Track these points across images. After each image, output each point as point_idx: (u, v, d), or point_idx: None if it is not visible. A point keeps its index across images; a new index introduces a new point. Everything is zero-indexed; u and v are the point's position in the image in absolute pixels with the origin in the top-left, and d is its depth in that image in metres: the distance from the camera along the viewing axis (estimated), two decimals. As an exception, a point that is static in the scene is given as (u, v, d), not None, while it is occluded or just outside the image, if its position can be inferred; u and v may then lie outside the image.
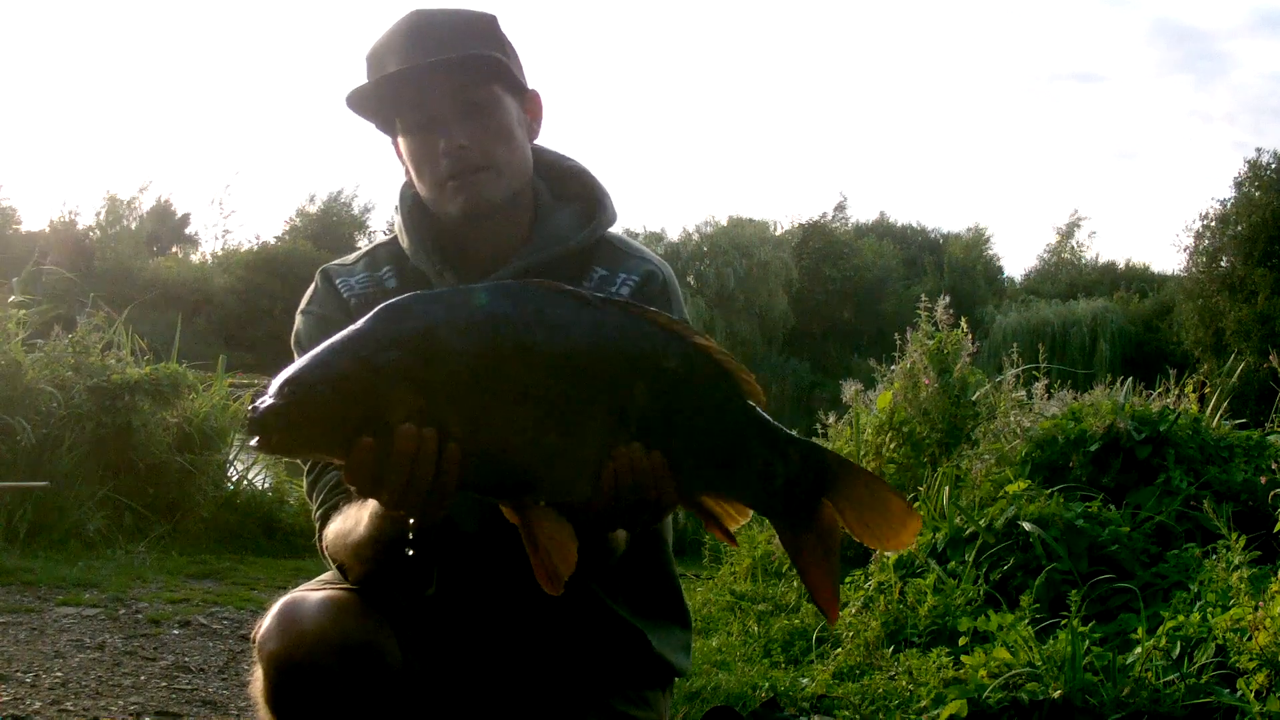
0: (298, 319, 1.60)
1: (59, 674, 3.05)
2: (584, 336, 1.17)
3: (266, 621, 1.40)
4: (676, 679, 1.70)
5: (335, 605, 1.41)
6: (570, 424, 1.16)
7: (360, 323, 1.16)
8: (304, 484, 1.56)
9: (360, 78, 1.52)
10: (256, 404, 1.13)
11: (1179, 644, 2.65)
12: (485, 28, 1.50)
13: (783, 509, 1.24)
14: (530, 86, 1.55)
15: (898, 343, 5.00)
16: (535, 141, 1.59)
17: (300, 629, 1.37)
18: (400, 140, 1.52)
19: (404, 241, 1.56)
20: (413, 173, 1.52)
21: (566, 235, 1.55)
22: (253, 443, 1.13)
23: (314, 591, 1.45)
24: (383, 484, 1.14)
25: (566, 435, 1.16)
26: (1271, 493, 3.23)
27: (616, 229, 1.63)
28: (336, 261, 1.65)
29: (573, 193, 1.61)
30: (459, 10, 1.51)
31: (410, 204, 1.56)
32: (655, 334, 1.20)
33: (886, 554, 3.74)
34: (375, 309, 1.17)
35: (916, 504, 4.09)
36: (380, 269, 1.59)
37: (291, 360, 1.55)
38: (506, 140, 1.49)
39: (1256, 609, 2.50)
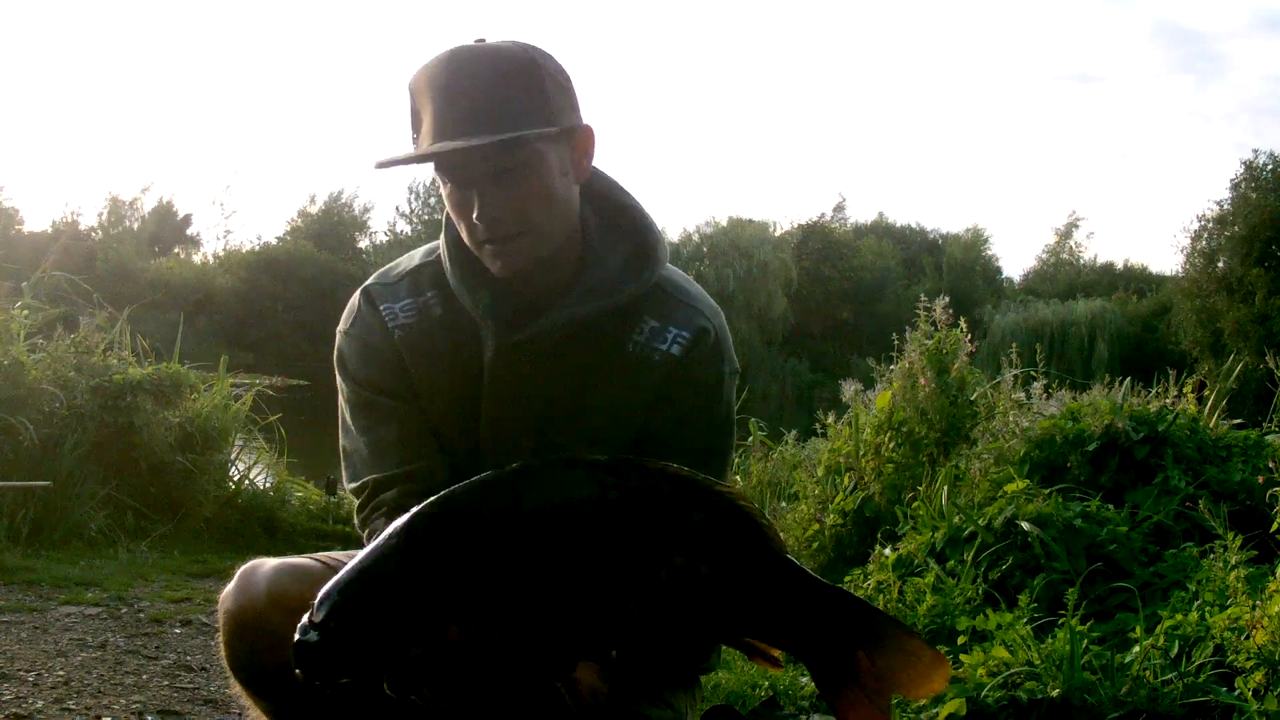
0: (340, 339, 1.57)
1: (61, 673, 3.06)
2: (613, 511, 1.19)
3: (230, 583, 1.48)
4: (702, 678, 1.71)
5: (291, 570, 1.47)
6: (609, 596, 1.18)
7: (395, 536, 1.17)
8: (352, 501, 1.58)
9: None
10: (303, 637, 1.16)
11: (1177, 643, 2.66)
12: (524, 78, 1.38)
13: (813, 656, 1.25)
14: (583, 122, 1.45)
15: (895, 343, 5.01)
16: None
17: (254, 590, 1.44)
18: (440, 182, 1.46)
19: (448, 272, 1.50)
20: (453, 219, 1.47)
21: (615, 284, 1.48)
22: (298, 673, 1.16)
23: (277, 558, 1.52)
24: (428, 692, 1.18)
25: (607, 607, 1.19)
26: (1269, 492, 3.24)
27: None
28: (378, 279, 1.59)
29: (623, 229, 1.53)
30: (496, 56, 1.38)
31: (455, 237, 1.50)
32: (679, 491, 1.22)
33: (886, 554, 3.76)
34: (406, 519, 1.17)
35: (915, 503, 4.10)
36: (425, 292, 1.53)
37: (334, 376, 1.57)
38: (544, 201, 1.40)
39: (1254, 608, 2.52)
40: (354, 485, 1.55)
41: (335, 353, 1.57)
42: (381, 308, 1.54)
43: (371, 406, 1.52)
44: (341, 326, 1.58)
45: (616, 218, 1.54)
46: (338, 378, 1.56)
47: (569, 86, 1.43)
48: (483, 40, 1.42)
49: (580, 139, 1.45)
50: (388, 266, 1.62)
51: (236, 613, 1.43)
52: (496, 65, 1.37)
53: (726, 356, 1.54)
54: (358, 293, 1.58)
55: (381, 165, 1.40)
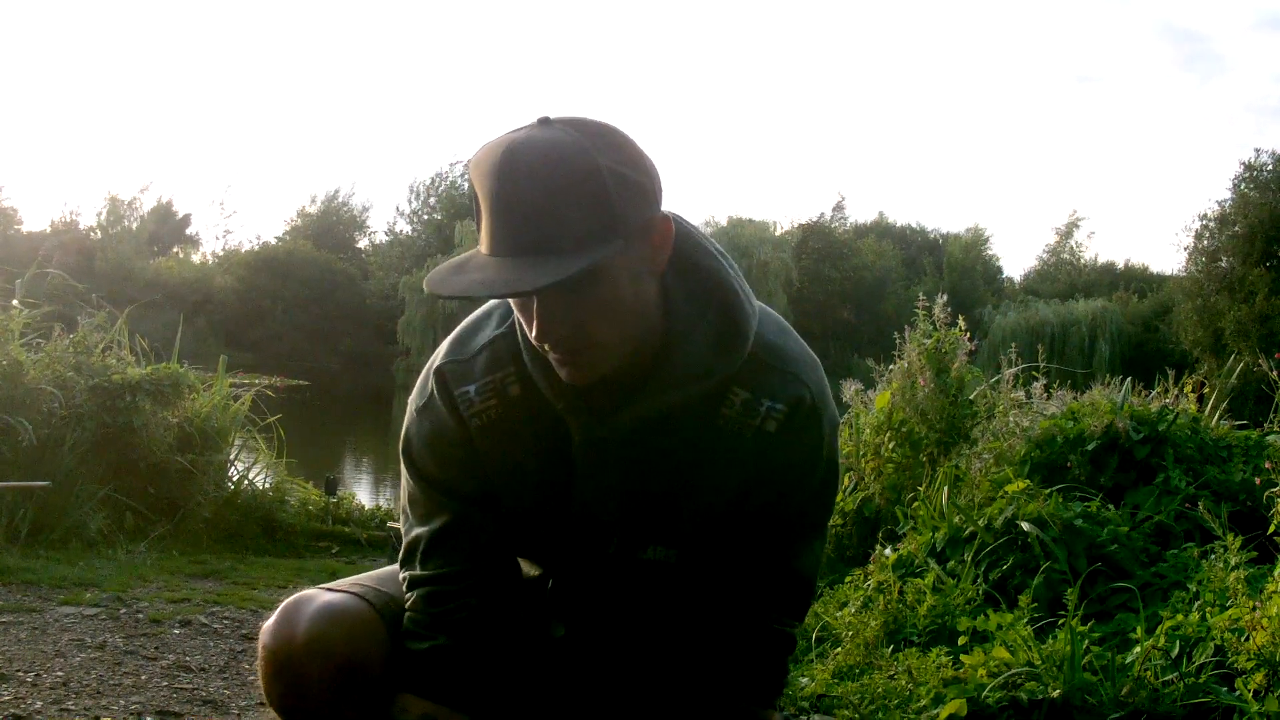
0: (410, 419, 1.49)
1: (60, 673, 3.05)
2: None
3: (273, 615, 1.46)
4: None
5: (333, 613, 1.45)
6: None
7: None
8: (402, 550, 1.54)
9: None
10: None
11: (1178, 643, 2.65)
12: (585, 192, 1.22)
13: None
14: (659, 210, 1.30)
15: (896, 342, 5.01)
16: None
17: (292, 631, 1.42)
18: None
19: (524, 355, 1.41)
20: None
21: (704, 368, 1.36)
22: None
23: (324, 593, 1.48)
24: None
25: None
26: (1267, 493, 3.23)
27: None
28: (453, 354, 1.46)
29: (708, 297, 1.39)
30: (554, 166, 1.22)
31: None
32: None
33: (886, 554, 3.76)
34: None
35: (915, 503, 4.09)
36: (503, 368, 1.43)
37: (398, 460, 1.52)
38: (609, 314, 1.29)
39: (1254, 609, 2.51)
40: (400, 571, 1.53)
41: (404, 429, 1.49)
42: (457, 393, 1.44)
43: (426, 499, 1.49)
44: (414, 404, 1.49)
45: (701, 283, 1.40)
46: (401, 458, 1.50)
47: (640, 178, 1.27)
48: (547, 120, 1.27)
49: (656, 231, 1.30)
50: (465, 329, 1.49)
51: (274, 652, 1.42)
52: (552, 177, 1.22)
53: (826, 415, 1.44)
54: (432, 371, 1.47)
55: (437, 294, 1.27)
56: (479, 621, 1.47)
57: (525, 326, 1.32)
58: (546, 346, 1.31)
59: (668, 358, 1.36)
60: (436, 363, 1.48)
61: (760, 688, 1.49)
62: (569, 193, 1.22)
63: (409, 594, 1.50)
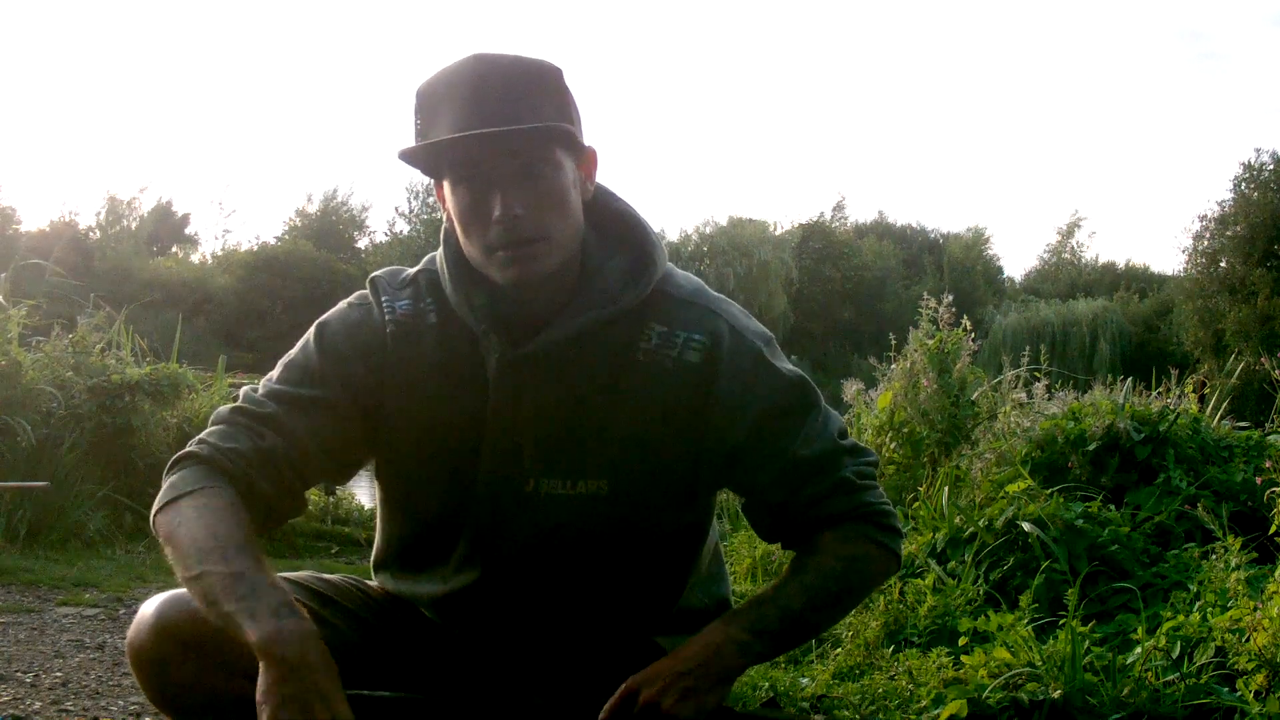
0: (340, 307, 1.55)
1: (59, 674, 3.05)
2: None
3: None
4: None
5: (178, 600, 1.42)
6: None
7: None
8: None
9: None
10: None
11: (1179, 644, 2.64)
12: (551, 85, 1.40)
13: None
14: (587, 144, 1.46)
15: (895, 342, 5.00)
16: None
17: (143, 625, 1.42)
18: (447, 190, 1.43)
19: (447, 289, 1.48)
20: (459, 229, 1.42)
21: (615, 294, 1.45)
22: None
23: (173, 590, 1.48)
24: None
25: None
26: (1267, 493, 3.22)
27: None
28: (387, 274, 1.57)
29: (620, 238, 1.51)
30: (522, 61, 1.39)
31: (454, 251, 1.47)
32: None
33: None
34: None
35: (916, 504, 4.09)
36: (424, 299, 1.51)
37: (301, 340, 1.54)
38: (561, 207, 1.39)
39: (1255, 610, 2.50)
40: (229, 405, 1.51)
41: (326, 315, 1.54)
42: (384, 297, 1.52)
43: (309, 370, 1.48)
44: (345, 301, 1.56)
45: (614, 227, 1.51)
46: (312, 331, 1.52)
47: (578, 109, 1.44)
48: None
49: (586, 159, 1.46)
50: (399, 268, 1.60)
51: (131, 649, 1.43)
52: (521, 73, 1.38)
53: (752, 333, 1.50)
54: (368, 280, 1.57)
55: (404, 154, 1.37)
56: (272, 467, 1.45)
57: (476, 225, 1.39)
58: (497, 243, 1.37)
59: (583, 285, 1.45)
60: (372, 275, 1.57)
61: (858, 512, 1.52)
62: (538, 86, 1.38)
63: (235, 417, 1.47)
